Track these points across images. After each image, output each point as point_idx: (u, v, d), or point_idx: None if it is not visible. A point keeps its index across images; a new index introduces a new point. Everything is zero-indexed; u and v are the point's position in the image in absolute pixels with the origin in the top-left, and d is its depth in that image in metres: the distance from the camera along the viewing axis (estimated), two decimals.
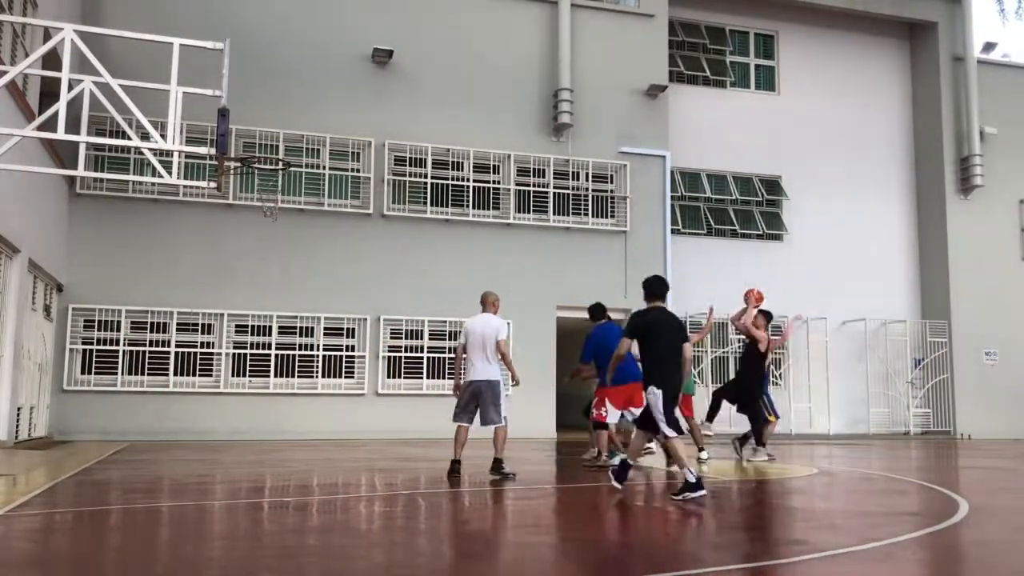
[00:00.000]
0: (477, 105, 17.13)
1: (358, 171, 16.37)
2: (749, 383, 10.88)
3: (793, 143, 20.24)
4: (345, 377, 15.81)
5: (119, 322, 14.82)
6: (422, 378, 16.06)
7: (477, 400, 8.51)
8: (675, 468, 8.42)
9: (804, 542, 5.36)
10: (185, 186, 13.96)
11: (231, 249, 15.47)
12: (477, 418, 8.59)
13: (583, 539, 5.50)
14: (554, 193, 17.35)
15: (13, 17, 10.67)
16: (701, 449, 10.57)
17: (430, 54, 16.99)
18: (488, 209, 17.00)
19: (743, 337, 11.71)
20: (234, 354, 15.30)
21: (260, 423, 15.05)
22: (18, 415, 12.05)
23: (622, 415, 9.78)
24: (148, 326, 14.96)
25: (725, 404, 11.14)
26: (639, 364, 7.60)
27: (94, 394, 14.55)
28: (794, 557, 4.74)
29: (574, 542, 5.38)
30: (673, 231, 18.36)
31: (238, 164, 11.16)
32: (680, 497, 6.83)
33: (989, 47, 22.06)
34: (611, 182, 17.84)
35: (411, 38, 16.84)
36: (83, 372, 14.64)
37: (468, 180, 16.92)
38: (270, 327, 15.50)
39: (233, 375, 15.28)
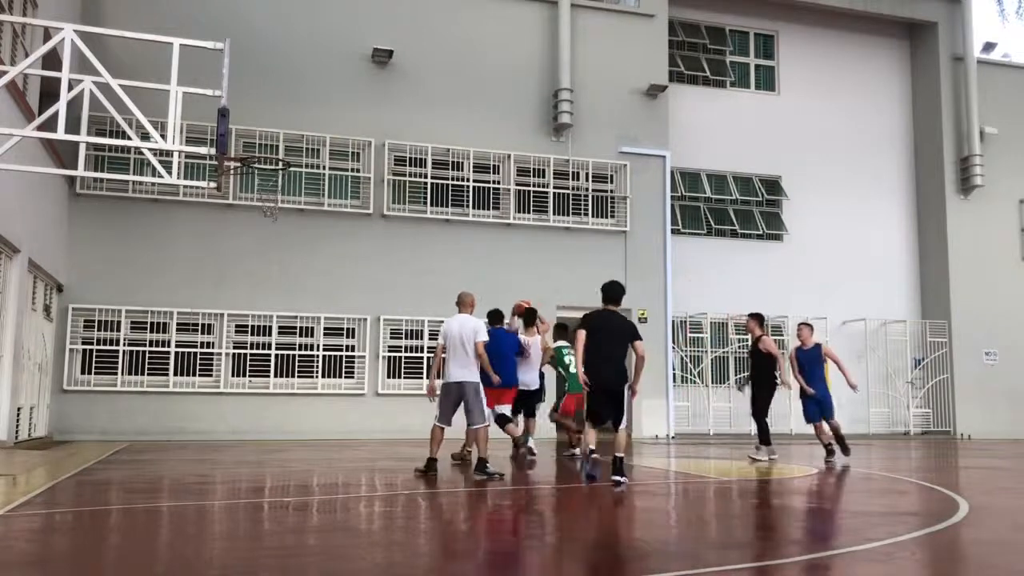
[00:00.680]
0: (477, 105, 17.13)
1: (358, 171, 16.37)
2: (760, 388, 11.07)
3: (793, 143, 20.24)
4: (345, 377, 15.81)
5: (119, 322, 14.82)
6: (422, 378, 16.05)
7: (460, 401, 8.67)
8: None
9: (804, 542, 5.36)
10: (185, 186, 13.96)
11: (231, 249, 15.47)
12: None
13: (583, 539, 5.50)
14: (554, 193, 17.35)
15: (13, 17, 10.67)
16: (572, 446, 11.40)
17: (430, 54, 16.99)
18: (488, 209, 17.00)
19: (749, 341, 11.94)
20: (234, 354, 15.30)
21: (260, 423, 15.05)
22: (18, 415, 12.05)
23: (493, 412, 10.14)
24: (148, 326, 14.97)
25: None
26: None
27: (94, 394, 14.55)
28: (794, 557, 4.74)
29: (574, 542, 5.38)
30: (673, 231, 18.36)
31: (238, 164, 11.17)
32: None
33: (989, 47, 22.07)
34: (611, 182, 17.84)
35: (411, 38, 16.84)
36: (83, 372, 14.64)
37: (468, 180, 16.92)
38: (270, 327, 15.50)
39: (233, 375, 15.28)
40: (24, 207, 11.71)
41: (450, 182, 16.79)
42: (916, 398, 20.19)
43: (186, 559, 4.57)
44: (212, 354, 15.21)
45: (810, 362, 11.19)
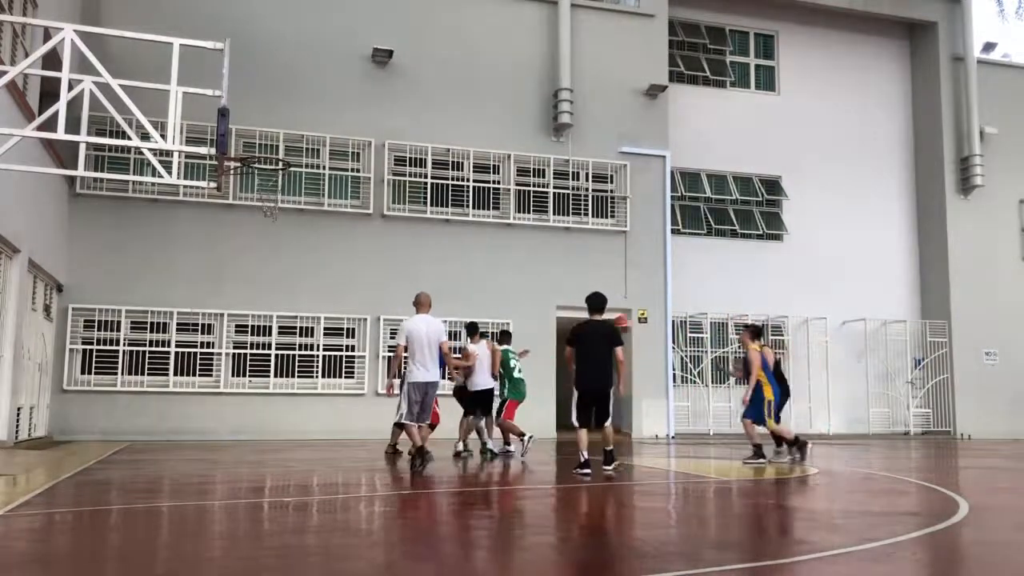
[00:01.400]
0: (477, 105, 17.12)
1: (358, 171, 16.37)
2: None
3: (793, 143, 20.24)
4: (345, 377, 15.81)
5: (119, 322, 14.82)
6: None
7: (427, 399, 9.18)
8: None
9: (804, 542, 5.35)
10: (185, 186, 13.97)
11: (231, 249, 15.47)
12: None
13: (582, 538, 5.50)
14: (554, 193, 17.35)
15: (13, 17, 10.67)
16: (507, 443, 11.72)
17: (430, 54, 16.99)
18: (488, 209, 17.00)
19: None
20: (234, 354, 15.30)
21: (260, 423, 15.05)
22: (18, 415, 12.05)
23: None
24: (148, 326, 14.97)
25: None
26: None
27: (94, 394, 14.55)
28: (794, 557, 4.74)
29: (573, 541, 5.38)
30: (673, 231, 18.36)
31: (238, 164, 11.17)
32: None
33: (989, 47, 22.07)
34: (611, 182, 17.84)
35: (411, 38, 16.84)
36: (83, 372, 14.64)
37: (468, 180, 16.92)
38: (270, 327, 15.50)
39: (233, 375, 15.28)
40: (24, 207, 11.70)
41: (450, 182, 16.78)
42: (916, 398, 20.19)
43: (186, 559, 4.57)
44: (212, 354, 15.21)
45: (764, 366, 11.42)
